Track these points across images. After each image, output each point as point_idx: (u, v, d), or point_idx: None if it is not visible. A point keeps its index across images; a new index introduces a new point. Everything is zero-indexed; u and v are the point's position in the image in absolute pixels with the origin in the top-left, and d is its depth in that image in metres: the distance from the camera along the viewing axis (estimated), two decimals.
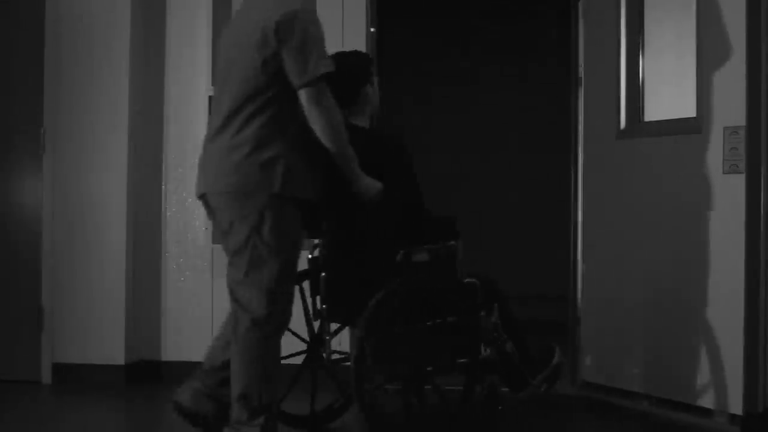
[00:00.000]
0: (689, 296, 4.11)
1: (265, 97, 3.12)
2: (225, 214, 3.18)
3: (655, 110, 4.46)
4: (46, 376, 4.84)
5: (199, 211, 4.84)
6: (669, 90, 4.44)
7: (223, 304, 4.83)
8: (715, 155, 3.98)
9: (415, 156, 3.60)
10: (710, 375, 4.00)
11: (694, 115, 4.11)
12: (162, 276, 4.99)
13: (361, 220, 3.45)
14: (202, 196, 3.30)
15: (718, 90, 3.98)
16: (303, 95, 3.09)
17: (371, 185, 3.32)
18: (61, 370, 4.83)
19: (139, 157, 4.95)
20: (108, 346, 4.81)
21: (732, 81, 3.91)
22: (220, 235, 3.35)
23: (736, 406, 3.87)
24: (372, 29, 4.93)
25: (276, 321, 3.22)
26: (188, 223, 4.99)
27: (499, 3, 7.67)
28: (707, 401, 4.01)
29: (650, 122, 4.40)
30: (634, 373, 4.39)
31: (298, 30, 3.06)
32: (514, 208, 7.88)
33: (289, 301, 3.29)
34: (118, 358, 4.81)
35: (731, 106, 3.91)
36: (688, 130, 4.12)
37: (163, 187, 5.01)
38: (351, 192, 3.32)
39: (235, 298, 3.23)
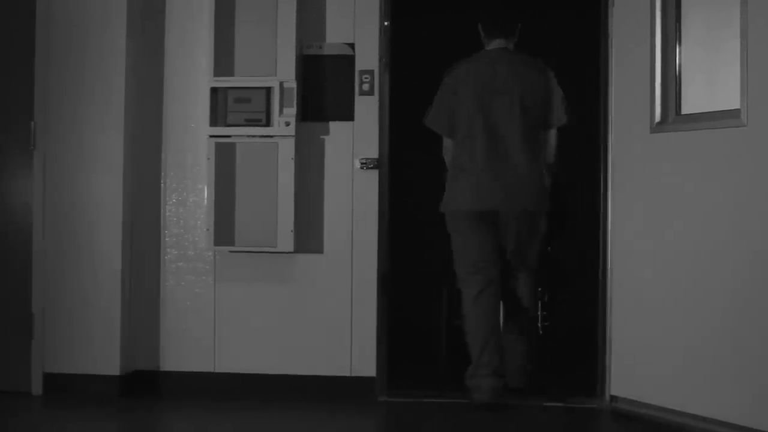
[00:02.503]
0: (733, 302, 3.82)
1: (540, 134, 4.45)
2: (528, 228, 4.45)
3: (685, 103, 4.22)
4: (37, 387, 4.60)
5: (200, 211, 4.63)
6: (701, 81, 4.16)
7: (226, 308, 4.62)
8: (762, 149, 3.69)
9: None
10: (761, 391, 3.69)
11: (737, 106, 3.81)
12: (161, 280, 4.71)
13: None
14: (490, 211, 4.41)
15: (766, 80, 3.68)
16: (555, 131, 4.50)
17: None
18: (52, 380, 4.59)
19: (135, 153, 4.70)
20: (102, 356, 4.55)
21: None
22: (491, 243, 4.46)
23: None
24: (386, 23, 4.67)
25: None
26: (189, 224, 4.70)
27: None
28: (756, 421, 3.69)
29: (688, 115, 4.12)
30: (671, 387, 4.09)
31: (558, 90, 4.50)
32: None
33: None
34: (113, 368, 4.55)
35: None
36: (732, 123, 3.82)
37: (162, 185, 4.72)
38: None
39: (528, 291, 4.58)
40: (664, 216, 4.15)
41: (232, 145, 4.53)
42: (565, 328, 5.37)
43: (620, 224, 4.40)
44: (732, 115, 3.84)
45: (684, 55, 4.20)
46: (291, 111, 4.50)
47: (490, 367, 4.28)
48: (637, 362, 4.27)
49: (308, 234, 4.60)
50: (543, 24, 7.14)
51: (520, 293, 4.55)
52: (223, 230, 4.53)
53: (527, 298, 4.57)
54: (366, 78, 4.59)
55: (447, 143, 4.52)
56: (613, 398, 4.38)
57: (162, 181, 4.72)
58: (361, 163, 4.59)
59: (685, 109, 4.18)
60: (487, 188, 4.37)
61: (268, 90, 4.50)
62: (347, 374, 4.57)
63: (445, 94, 4.46)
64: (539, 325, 4.96)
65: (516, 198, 4.37)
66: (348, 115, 4.61)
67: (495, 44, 4.52)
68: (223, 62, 4.53)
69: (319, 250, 4.60)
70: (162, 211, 4.72)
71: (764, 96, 3.69)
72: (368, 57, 4.60)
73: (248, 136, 4.52)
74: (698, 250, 3.98)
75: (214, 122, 4.54)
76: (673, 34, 4.19)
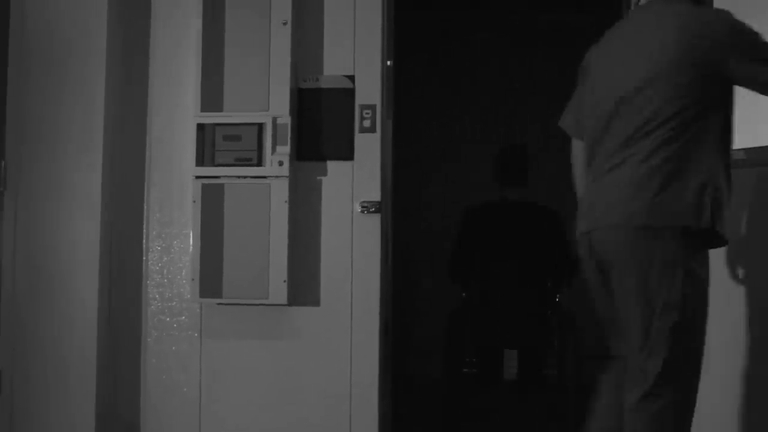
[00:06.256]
0: None
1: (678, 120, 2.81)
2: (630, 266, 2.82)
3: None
4: None
5: (186, 258, 4.24)
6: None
7: (213, 366, 4.21)
8: None
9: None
10: None
11: None
12: (142, 335, 4.31)
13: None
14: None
15: None
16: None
17: None
18: None
19: (115, 195, 4.31)
20: (76, 420, 4.11)
21: None
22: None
23: None
24: (389, 62, 4.33)
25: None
26: (173, 273, 4.31)
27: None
28: None
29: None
30: None
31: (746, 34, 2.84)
32: None
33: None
34: None
35: None
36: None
37: (144, 229, 4.33)
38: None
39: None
40: None
41: (220, 187, 4.14)
42: (587, 384, 4.99)
43: None
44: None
45: None
46: (285, 149, 4.11)
47: None
48: None
49: (303, 285, 4.19)
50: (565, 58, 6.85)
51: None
52: (210, 280, 4.12)
53: None
54: (367, 113, 4.21)
55: (574, 147, 3.26)
56: None
57: (144, 226, 4.33)
58: (362, 207, 4.20)
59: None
60: (592, 202, 2.96)
61: (260, 126, 4.12)
62: None
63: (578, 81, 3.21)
64: (544, 373, 4.79)
65: (614, 210, 2.85)
66: (347, 154, 4.21)
67: None
68: (211, 96, 4.14)
69: (316, 302, 4.20)
70: (144, 258, 4.33)
71: None
72: (370, 90, 4.21)
73: (238, 176, 4.13)
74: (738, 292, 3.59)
75: (200, 162, 4.15)
76: None
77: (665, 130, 2.77)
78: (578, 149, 3.21)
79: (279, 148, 4.11)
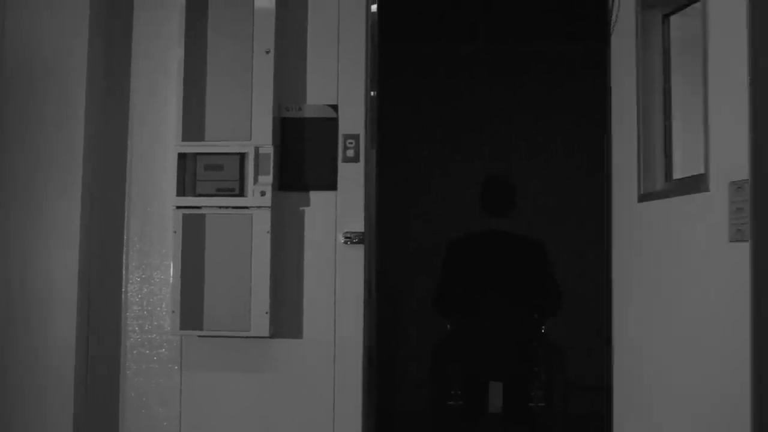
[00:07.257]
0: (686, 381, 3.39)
1: None
2: None
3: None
4: None
5: (166, 290, 4.17)
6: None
7: (193, 399, 4.14)
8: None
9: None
10: None
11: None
12: (121, 368, 4.24)
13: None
14: None
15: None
16: None
17: None
18: None
19: (94, 224, 4.25)
20: None
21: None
22: None
23: None
24: (372, 93, 4.29)
25: None
26: (153, 305, 4.25)
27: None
28: None
29: (676, 180, 3.76)
30: None
31: None
32: None
33: None
34: None
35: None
36: (697, 188, 3.41)
37: (124, 260, 4.27)
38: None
39: None
40: (652, 293, 3.73)
41: (202, 217, 4.08)
42: (571, 416, 4.96)
43: (620, 307, 3.98)
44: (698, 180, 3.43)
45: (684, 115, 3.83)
46: (267, 179, 4.06)
47: None
48: None
49: (286, 317, 4.13)
50: (549, 85, 6.85)
51: None
52: (191, 312, 4.05)
53: None
54: (350, 143, 4.17)
55: None
56: None
57: (124, 256, 4.27)
58: (345, 238, 4.15)
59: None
60: None
61: (242, 156, 4.07)
62: None
63: None
64: (530, 405, 4.73)
65: None
66: (330, 183, 4.17)
67: None
68: (193, 125, 4.09)
69: (298, 334, 4.14)
70: (123, 289, 4.26)
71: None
72: (353, 120, 4.17)
73: (219, 207, 4.07)
74: (693, 332, 3.55)
75: (181, 191, 4.09)
76: (660, 97, 3.82)
77: None
78: None
79: (261, 178, 4.06)
